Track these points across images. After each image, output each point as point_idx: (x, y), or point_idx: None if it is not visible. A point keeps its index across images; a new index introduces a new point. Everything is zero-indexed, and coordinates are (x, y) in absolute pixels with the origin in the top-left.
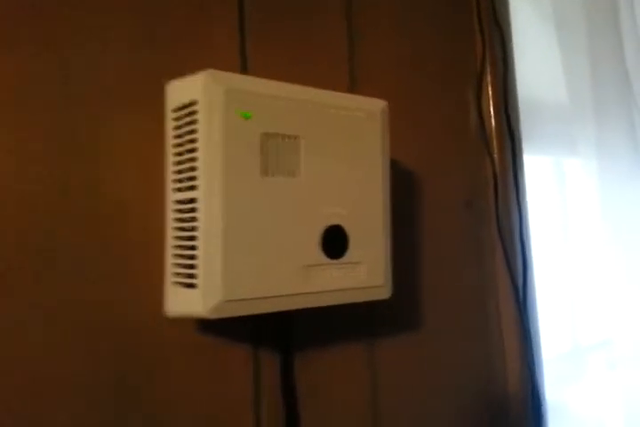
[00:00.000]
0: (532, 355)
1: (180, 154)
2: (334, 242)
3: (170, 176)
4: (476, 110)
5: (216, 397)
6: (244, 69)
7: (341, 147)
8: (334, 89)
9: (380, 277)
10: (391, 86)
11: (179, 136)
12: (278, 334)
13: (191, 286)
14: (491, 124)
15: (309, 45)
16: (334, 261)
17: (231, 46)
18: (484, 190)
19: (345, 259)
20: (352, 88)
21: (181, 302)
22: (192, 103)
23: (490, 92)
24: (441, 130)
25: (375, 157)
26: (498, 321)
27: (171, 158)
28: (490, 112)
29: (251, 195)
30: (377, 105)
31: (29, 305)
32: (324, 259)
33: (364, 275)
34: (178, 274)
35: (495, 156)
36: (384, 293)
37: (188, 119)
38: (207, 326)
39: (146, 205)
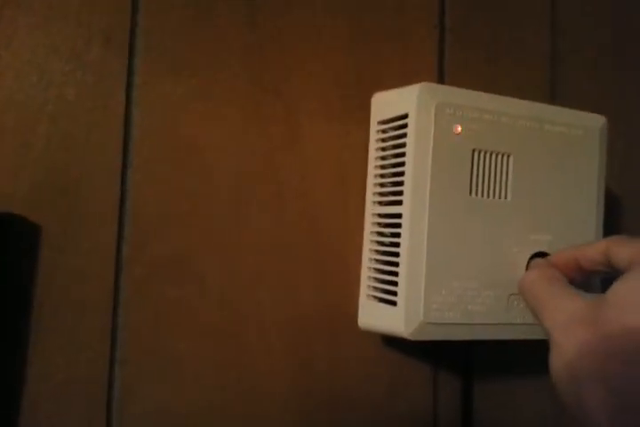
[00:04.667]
0: None
1: (384, 167)
2: None
3: (371, 188)
4: None
5: (394, 411)
6: (440, 79)
7: (553, 166)
8: (534, 98)
9: None
10: (597, 95)
11: (384, 149)
12: (460, 358)
13: (391, 302)
14: None
15: (508, 54)
16: None
17: (428, 57)
18: None
19: None
20: (552, 97)
21: (378, 318)
22: (403, 116)
23: None
24: None
25: (590, 178)
26: None
27: (373, 171)
28: None
29: (457, 214)
30: (596, 121)
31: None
32: None
33: None
34: (375, 288)
35: None
36: None
37: (396, 132)
38: (392, 341)
39: (344, 215)
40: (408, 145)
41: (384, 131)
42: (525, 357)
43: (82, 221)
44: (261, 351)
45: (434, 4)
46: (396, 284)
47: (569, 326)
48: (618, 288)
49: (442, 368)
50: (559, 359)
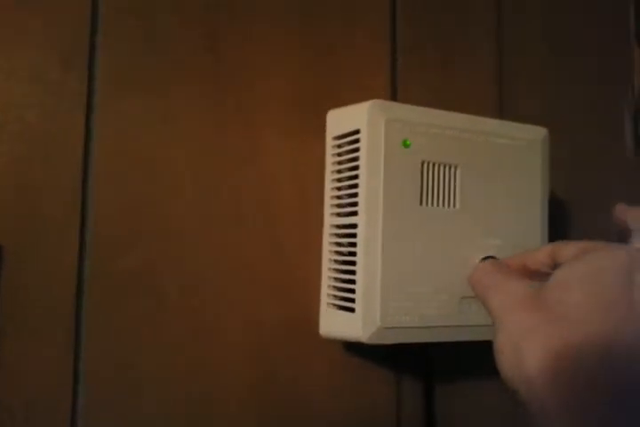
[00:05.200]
0: None
1: (339, 180)
2: None
3: (328, 201)
4: (632, 131)
5: (358, 415)
6: (393, 94)
7: (499, 176)
8: (483, 113)
9: None
10: (542, 109)
11: (339, 163)
12: (420, 360)
13: (349, 309)
14: None
15: (458, 68)
16: None
17: (381, 73)
18: None
19: None
20: (501, 112)
21: (338, 325)
22: (355, 132)
23: None
24: (598, 154)
25: (534, 187)
26: None
27: (329, 184)
28: None
29: (409, 223)
30: (538, 133)
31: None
32: None
33: None
34: (335, 296)
35: None
36: None
37: (349, 147)
38: (354, 347)
39: (304, 226)
40: (361, 159)
41: (339, 146)
42: (485, 357)
43: (43, 240)
44: (225, 363)
45: (387, 23)
46: (353, 291)
47: (513, 307)
48: (559, 272)
49: (404, 372)
50: (503, 341)
